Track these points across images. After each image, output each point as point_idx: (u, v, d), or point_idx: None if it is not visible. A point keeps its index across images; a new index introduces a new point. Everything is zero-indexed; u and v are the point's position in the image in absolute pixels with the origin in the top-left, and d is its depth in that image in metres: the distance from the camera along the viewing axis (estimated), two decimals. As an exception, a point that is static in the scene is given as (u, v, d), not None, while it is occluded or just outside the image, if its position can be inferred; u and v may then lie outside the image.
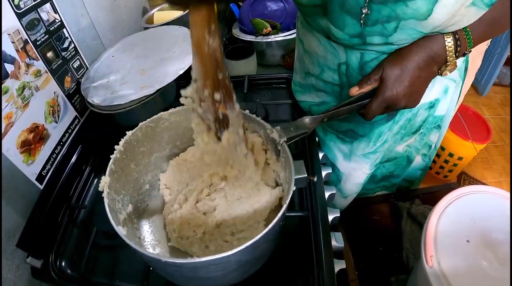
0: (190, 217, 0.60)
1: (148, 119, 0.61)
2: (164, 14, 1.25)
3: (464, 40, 0.54)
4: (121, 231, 0.46)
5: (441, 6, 0.48)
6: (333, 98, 0.78)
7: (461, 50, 0.55)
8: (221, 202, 0.62)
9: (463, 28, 0.54)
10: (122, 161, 0.58)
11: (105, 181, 0.51)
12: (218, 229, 0.59)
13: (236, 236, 0.59)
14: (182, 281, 0.56)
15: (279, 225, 0.51)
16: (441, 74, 0.58)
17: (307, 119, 0.58)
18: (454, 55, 0.55)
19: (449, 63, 0.56)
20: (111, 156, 0.55)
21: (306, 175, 0.53)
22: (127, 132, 0.59)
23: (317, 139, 0.85)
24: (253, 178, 0.62)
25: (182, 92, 0.57)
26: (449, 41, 0.54)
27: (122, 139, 0.57)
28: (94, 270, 0.66)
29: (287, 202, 0.47)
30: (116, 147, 0.56)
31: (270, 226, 0.44)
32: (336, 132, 0.84)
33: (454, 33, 0.54)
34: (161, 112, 0.63)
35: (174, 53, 0.88)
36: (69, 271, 0.67)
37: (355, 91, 0.59)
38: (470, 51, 0.57)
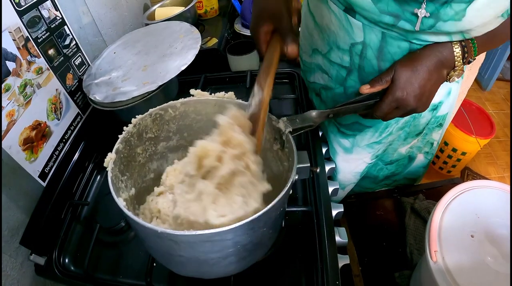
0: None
1: (158, 107, 0.62)
2: (165, 10, 1.25)
3: (470, 48, 0.56)
4: (121, 202, 0.46)
5: (473, 10, 0.48)
6: (336, 85, 0.76)
7: (468, 57, 0.57)
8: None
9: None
10: (130, 143, 0.58)
11: (110, 157, 0.52)
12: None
13: None
14: (177, 265, 0.55)
15: (280, 210, 0.51)
16: (449, 80, 0.59)
17: (313, 113, 0.59)
18: (461, 61, 0.57)
19: (457, 67, 0.57)
20: (119, 135, 0.55)
21: (308, 164, 0.53)
22: (137, 116, 0.59)
23: (320, 134, 0.85)
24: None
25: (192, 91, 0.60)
26: (457, 48, 0.56)
27: (132, 121, 0.58)
28: (98, 266, 0.66)
29: (289, 184, 0.47)
30: (125, 128, 0.57)
31: (270, 205, 0.43)
32: (339, 125, 0.83)
33: (460, 42, 0.55)
34: (172, 101, 0.63)
35: (175, 49, 0.87)
36: (72, 268, 0.68)
37: (366, 89, 0.59)
38: (475, 58, 0.58)
